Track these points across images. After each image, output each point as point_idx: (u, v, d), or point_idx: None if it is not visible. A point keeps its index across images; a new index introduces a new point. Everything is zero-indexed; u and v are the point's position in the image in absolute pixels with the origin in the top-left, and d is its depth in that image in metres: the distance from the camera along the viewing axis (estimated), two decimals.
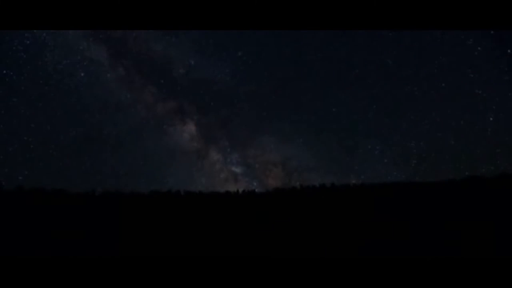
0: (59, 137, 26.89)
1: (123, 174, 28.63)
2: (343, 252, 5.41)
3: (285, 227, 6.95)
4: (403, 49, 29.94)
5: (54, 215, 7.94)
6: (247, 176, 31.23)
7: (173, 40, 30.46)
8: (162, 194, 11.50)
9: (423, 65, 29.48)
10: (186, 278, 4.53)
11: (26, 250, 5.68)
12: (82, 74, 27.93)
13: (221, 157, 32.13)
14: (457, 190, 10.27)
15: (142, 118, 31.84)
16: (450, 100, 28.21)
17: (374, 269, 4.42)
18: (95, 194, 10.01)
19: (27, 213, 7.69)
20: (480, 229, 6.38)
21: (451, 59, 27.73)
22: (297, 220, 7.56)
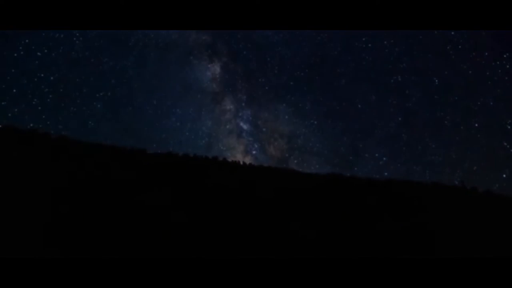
0: (85, 31, 25.77)
1: (136, 87, 27.97)
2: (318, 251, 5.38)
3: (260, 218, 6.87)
4: (456, 71, 26.12)
5: None
6: (251, 136, 30.70)
7: None
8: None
9: (466, 96, 25.53)
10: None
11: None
12: None
13: (234, 109, 31.29)
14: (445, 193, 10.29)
15: (172, 41, 30.03)
16: (478, 140, 24.68)
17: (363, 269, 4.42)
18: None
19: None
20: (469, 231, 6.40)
21: (500, 96, 23.55)
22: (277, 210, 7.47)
